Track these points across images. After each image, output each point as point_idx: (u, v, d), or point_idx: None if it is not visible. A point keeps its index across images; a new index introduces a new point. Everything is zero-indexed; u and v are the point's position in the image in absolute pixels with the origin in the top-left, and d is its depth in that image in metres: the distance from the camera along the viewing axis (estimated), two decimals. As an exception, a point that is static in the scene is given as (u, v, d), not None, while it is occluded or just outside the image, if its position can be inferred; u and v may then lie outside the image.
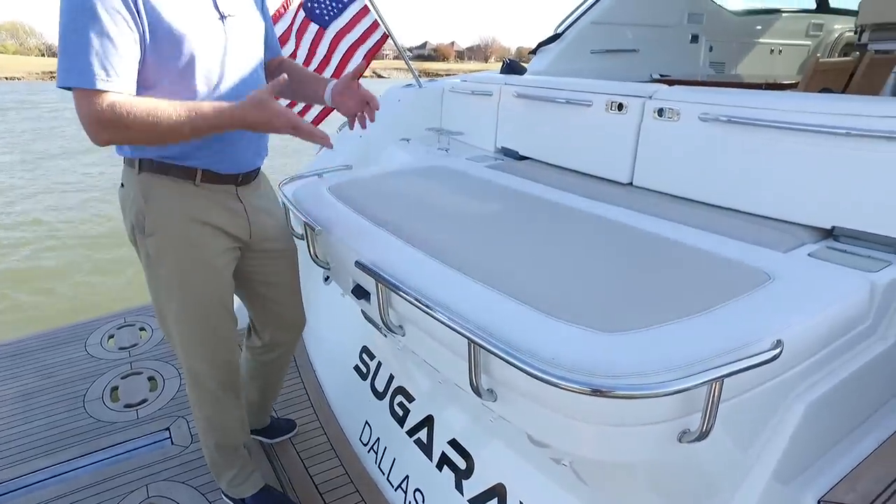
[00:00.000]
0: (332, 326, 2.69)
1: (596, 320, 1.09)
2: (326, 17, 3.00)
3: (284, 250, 1.79)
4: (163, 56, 1.30)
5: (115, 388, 2.60)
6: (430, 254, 1.39)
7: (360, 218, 1.68)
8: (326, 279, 2.82)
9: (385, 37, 3.19)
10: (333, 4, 2.99)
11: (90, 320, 3.23)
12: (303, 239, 1.97)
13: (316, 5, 2.95)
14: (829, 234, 1.63)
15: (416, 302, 1.19)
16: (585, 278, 1.29)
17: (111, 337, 3.05)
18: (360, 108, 1.68)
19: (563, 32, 4.00)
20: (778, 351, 1.04)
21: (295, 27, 3.02)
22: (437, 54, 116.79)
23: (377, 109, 1.69)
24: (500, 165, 2.44)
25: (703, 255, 1.43)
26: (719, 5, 4.94)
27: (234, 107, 1.29)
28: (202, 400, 1.70)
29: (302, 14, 3.01)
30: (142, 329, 3.13)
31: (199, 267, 1.50)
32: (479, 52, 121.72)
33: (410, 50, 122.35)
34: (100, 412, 2.43)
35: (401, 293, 1.24)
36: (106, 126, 1.22)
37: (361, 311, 1.86)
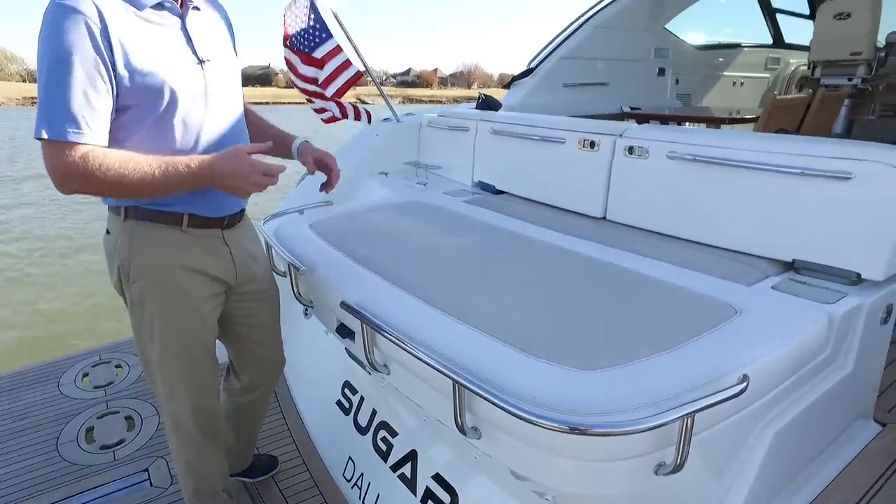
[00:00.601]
0: (314, 361, 2.69)
1: (574, 358, 1.14)
2: (306, 51, 3.07)
3: (267, 291, 1.79)
4: (141, 103, 1.30)
5: (90, 429, 2.55)
6: (413, 294, 1.44)
7: (343, 257, 1.72)
8: (307, 313, 2.83)
9: (359, 73, 3.27)
10: (311, 38, 3.07)
11: (63, 358, 3.16)
12: (285, 276, 2.00)
13: (298, 39, 3.03)
14: (791, 266, 1.73)
15: (402, 344, 1.22)
16: (563, 315, 1.35)
17: (86, 375, 2.99)
18: (321, 169, 1.76)
19: (535, 67, 4.14)
20: (744, 385, 1.10)
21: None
22: (420, 81, 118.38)
23: (337, 179, 1.78)
24: (478, 200, 2.51)
25: (674, 290, 1.50)
26: (683, 40, 5.18)
27: (207, 161, 1.30)
28: (182, 444, 1.67)
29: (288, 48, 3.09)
30: (118, 366, 3.07)
31: (185, 313, 1.49)
32: (461, 79, 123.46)
33: (394, 76, 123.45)
34: (74, 455, 2.38)
35: (387, 335, 1.27)
36: (75, 177, 1.22)
37: (345, 348, 1.88)
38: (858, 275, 1.60)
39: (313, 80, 3.14)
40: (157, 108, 1.31)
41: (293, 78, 3.19)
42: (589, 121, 2.33)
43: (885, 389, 2.02)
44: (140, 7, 1.29)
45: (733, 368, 1.14)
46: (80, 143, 1.21)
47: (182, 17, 1.38)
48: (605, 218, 2.17)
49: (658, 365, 1.13)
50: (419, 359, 1.18)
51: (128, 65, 1.25)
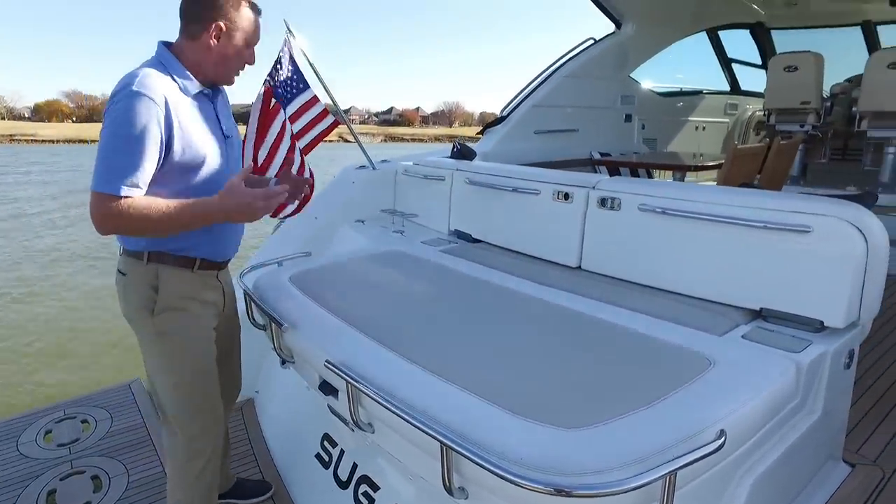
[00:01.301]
0: (291, 413, 2.64)
1: (557, 417, 1.16)
2: (284, 101, 3.10)
3: (234, 319, 2.02)
4: (185, 167, 1.59)
5: (52, 492, 2.42)
6: (397, 352, 1.45)
7: (325, 312, 1.72)
8: (283, 364, 2.79)
9: (336, 123, 3.32)
10: (290, 88, 3.11)
11: (23, 415, 3.02)
12: (264, 329, 1.98)
13: (280, 90, 3.07)
14: (759, 314, 1.80)
15: (389, 405, 1.23)
16: (543, 370, 1.38)
17: (48, 432, 2.86)
18: (299, 188, 1.94)
19: (507, 115, 4.29)
20: (721, 441, 1.14)
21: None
22: (402, 119, 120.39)
23: (311, 186, 2.09)
24: (455, 249, 2.55)
25: (649, 342, 1.55)
26: (648, 88, 5.44)
27: (212, 199, 1.53)
28: (195, 468, 1.82)
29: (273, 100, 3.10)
30: (84, 421, 2.95)
31: (202, 338, 1.76)
32: (443, 117, 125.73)
33: (376, 115, 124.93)
34: (35, 521, 2.26)
35: (373, 396, 1.28)
36: (111, 220, 1.48)
37: (327, 405, 1.87)
38: (822, 322, 1.67)
39: (280, 136, 3.13)
40: (197, 172, 1.62)
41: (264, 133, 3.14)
42: (562, 172, 2.41)
43: (851, 430, 2.09)
44: (188, 94, 1.62)
45: (711, 423, 1.18)
46: (123, 198, 1.46)
47: (213, 102, 1.71)
48: (580, 267, 2.23)
49: (638, 421, 1.16)
50: (406, 420, 1.18)
51: (182, 139, 1.56)
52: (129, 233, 1.59)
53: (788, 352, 1.55)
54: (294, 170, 2.99)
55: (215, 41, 1.61)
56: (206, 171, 1.64)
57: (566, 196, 2.24)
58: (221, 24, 1.59)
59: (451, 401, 1.24)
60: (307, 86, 3.16)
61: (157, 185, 1.53)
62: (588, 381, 1.33)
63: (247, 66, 1.73)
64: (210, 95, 1.69)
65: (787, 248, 1.69)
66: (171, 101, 1.52)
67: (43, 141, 58.66)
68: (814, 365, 1.56)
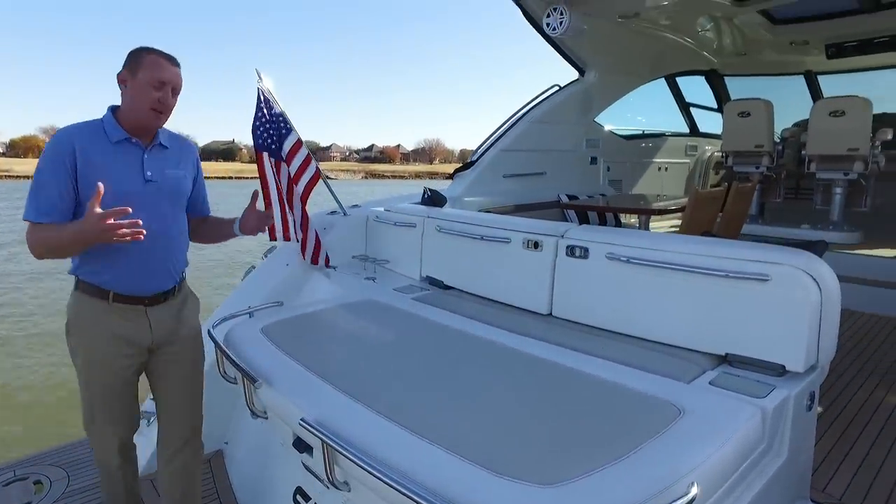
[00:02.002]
0: (262, 466, 2.56)
1: (531, 473, 1.17)
2: (275, 146, 3.10)
3: (184, 353, 2.03)
4: (105, 205, 1.68)
5: (2, 562, 2.28)
6: (373, 408, 1.44)
7: (299, 366, 1.71)
8: (254, 416, 2.72)
9: (317, 174, 3.30)
10: (277, 131, 3.11)
11: (-29, 476, 2.85)
12: (234, 383, 1.94)
13: (267, 136, 3.06)
14: (725, 359, 1.86)
15: (366, 466, 1.22)
16: (518, 423, 1.39)
17: (-3, 495, 2.70)
18: (262, 222, 2.11)
19: (477, 160, 4.39)
20: (693, 493, 1.16)
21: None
22: (383, 156, 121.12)
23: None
24: (428, 297, 2.57)
25: (620, 391, 1.58)
26: (612, 131, 5.65)
27: (79, 224, 1.68)
28: (104, 481, 2.06)
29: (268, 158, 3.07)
30: (37, 482, 2.79)
31: (100, 365, 1.87)
32: (423, 154, 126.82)
33: (357, 152, 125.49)
34: None
35: (350, 456, 1.26)
36: (29, 242, 1.74)
37: (301, 462, 1.83)
38: (783, 367, 1.74)
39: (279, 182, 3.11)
40: (106, 206, 1.68)
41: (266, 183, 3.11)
42: (532, 220, 2.47)
43: (816, 468, 2.15)
44: (111, 140, 1.82)
45: (683, 474, 1.20)
46: (40, 223, 1.72)
47: (142, 149, 1.87)
48: (550, 314, 2.27)
49: (611, 476, 1.18)
50: (383, 481, 1.17)
51: (86, 176, 1.74)
52: (42, 253, 1.77)
53: (754, 397, 1.60)
54: (297, 220, 3.03)
55: (124, 86, 1.82)
56: (118, 206, 1.69)
57: (536, 245, 2.29)
58: (125, 71, 1.81)
59: (428, 459, 1.24)
60: (292, 127, 3.17)
61: (75, 217, 1.75)
62: (561, 433, 1.34)
63: (168, 105, 1.86)
64: (137, 143, 1.86)
65: (748, 295, 1.76)
66: (83, 145, 1.76)
67: (17, 177, 60.33)
68: (778, 409, 1.61)
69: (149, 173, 1.86)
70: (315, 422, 1.39)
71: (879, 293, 3.97)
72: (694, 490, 1.17)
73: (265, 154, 3.06)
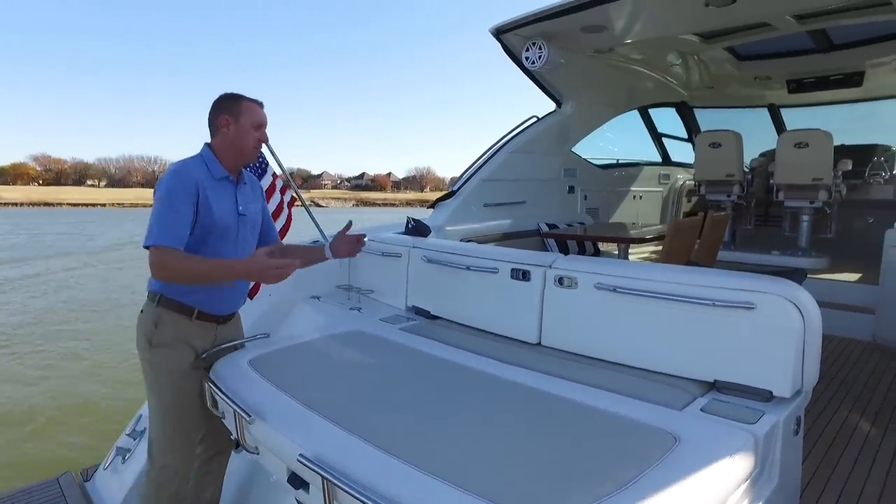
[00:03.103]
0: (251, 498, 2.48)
1: None
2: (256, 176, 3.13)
3: None
4: (203, 231, 1.99)
5: None
6: (370, 441, 1.42)
7: (290, 400, 1.68)
8: (237, 447, 2.64)
9: (293, 200, 3.34)
10: (257, 166, 3.13)
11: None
12: (222, 418, 1.90)
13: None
14: (713, 385, 1.89)
15: (370, 502, 1.19)
16: (517, 455, 1.38)
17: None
18: (355, 248, 2.40)
19: (458, 189, 4.44)
20: None
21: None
22: (374, 184, 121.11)
23: (364, 245, 2.44)
24: (414, 327, 2.55)
25: (615, 420, 1.59)
26: (587, 160, 5.79)
27: (240, 260, 2.05)
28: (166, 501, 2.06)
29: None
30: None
31: (185, 374, 2.03)
32: (414, 182, 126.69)
33: (348, 180, 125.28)
34: None
35: (352, 493, 1.24)
36: (164, 268, 1.89)
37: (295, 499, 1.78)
38: (771, 392, 1.77)
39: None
40: (209, 235, 2.01)
41: None
42: (519, 251, 2.50)
43: (804, 490, 2.18)
44: (214, 178, 2.04)
45: (687, 501, 1.21)
46: (167, 247, 1.87)
47: (235, 186, 2.13)
48: (539, 343, 2.28)
49: None
50: None
51: (203, 209, 1.98)
52: (177, 278, 1.97)
53: (745, 423, 1.63)
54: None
55: (226, 130, 2.06)
56: (215, 236, 2.03)
57: (524, 274, 2.31)
58: (225, 117, 2.06)
59: (431, 492, 1.22)
60: (267, 165, 3.19)
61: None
62: (562, 463, 1.34)
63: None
64: (232, 180, 2.11)
65: (735, 323, 1.81)
66: (201, 180, 1.97)
67: (6, 203, 63.49)
68: (769, 434, 1.64)
69: (240, 207, 2.13)
70: (314, 457, 1.37)
71: (850, 317, 4.11)
72: None
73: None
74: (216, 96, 2.14)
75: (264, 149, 3.21)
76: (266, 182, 3.11)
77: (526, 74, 4.55)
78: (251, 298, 2.96)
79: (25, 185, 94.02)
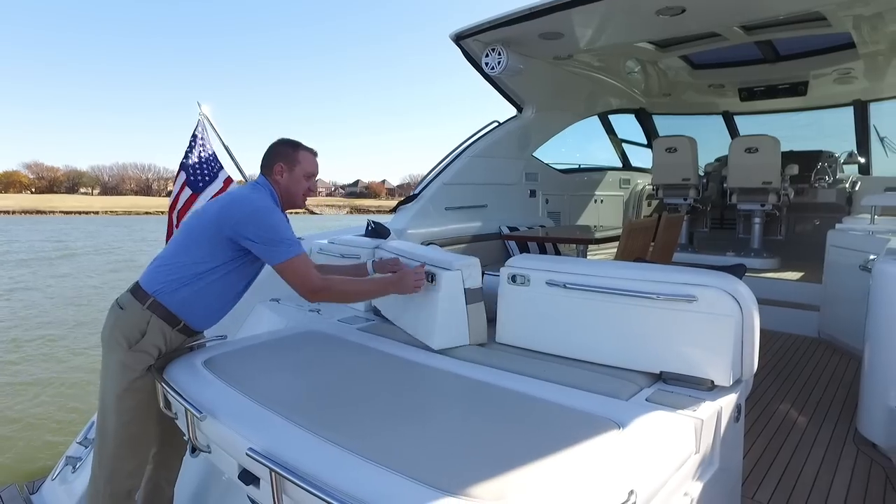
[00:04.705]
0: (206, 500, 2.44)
1: (481, 491, 1.19)
2: (201, 185, 3.11)
3: None
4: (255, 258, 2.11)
5: None
6: (322, 436, 1.43)
7: (243, 397, 1.67)
8: (193, 452, 2.60)
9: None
10: (206, 171, 3.12)
11: None
12: (174, 418, 1.87)
13: (193, 177, 3.08)
14: (660, 377, 1.96)
15: (317, 493, 1.20)
16: (466, 445, 1.41)
17: None
18: (397, 263, 2.47)
19: (419, 193, 4.47)
20: (636, 501, 1.21)
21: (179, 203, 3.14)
22: (368, 191, 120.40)
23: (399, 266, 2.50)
24: (373, 327, 2.56)
25: (562, 411, 1.63)
26: (549, 165, 5.90)
27: (390, 278, 2.27)
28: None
29: (188, 191, 3.14)
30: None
31: (149, 376, 1.99)
32: (408, 189, 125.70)
33: (343, 187, 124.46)
34: None
35: (299, 483, 1.24)
36: (319, 291, 2.06)
37: (247, 495, 1.77)
38: (712, 382, 1.85)
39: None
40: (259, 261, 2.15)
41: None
42: (475, 252, 2.54)
43: (746, 478, 2.27)
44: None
45: (622, 485, 1.26)
46: (304, 252, 2.05)
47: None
48: (493, 340, 2.32)
49: (558, 489, 1.22)
50: None
51: None
52: (335, 296, 2.15)
53: (686, 410, 1.70)
54: None
55: (280, 176, 2.15)
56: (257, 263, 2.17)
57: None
58: (283, 164, 2.15)
59: (380, 482, 1.23)
60: (221, 167, 3.19)
61: (229, 256, 2.05)
62: (507, 452, 1.37)
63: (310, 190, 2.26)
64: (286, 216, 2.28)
65: (678, 316, 1.88)
66: None
67: None
68: (709, 421, 1.71)
69: None
70: (263, 451, 1.37)
71: (797, 314, 4.29)
72: (634, 499, 1.22)
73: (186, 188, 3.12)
74: (275, 139, 2.24)
75: (217, 144, 3.24)
76: (216, 187, 3.11)
77: (486, 79, 4.63)
78: None
79: (18, 192, 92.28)
